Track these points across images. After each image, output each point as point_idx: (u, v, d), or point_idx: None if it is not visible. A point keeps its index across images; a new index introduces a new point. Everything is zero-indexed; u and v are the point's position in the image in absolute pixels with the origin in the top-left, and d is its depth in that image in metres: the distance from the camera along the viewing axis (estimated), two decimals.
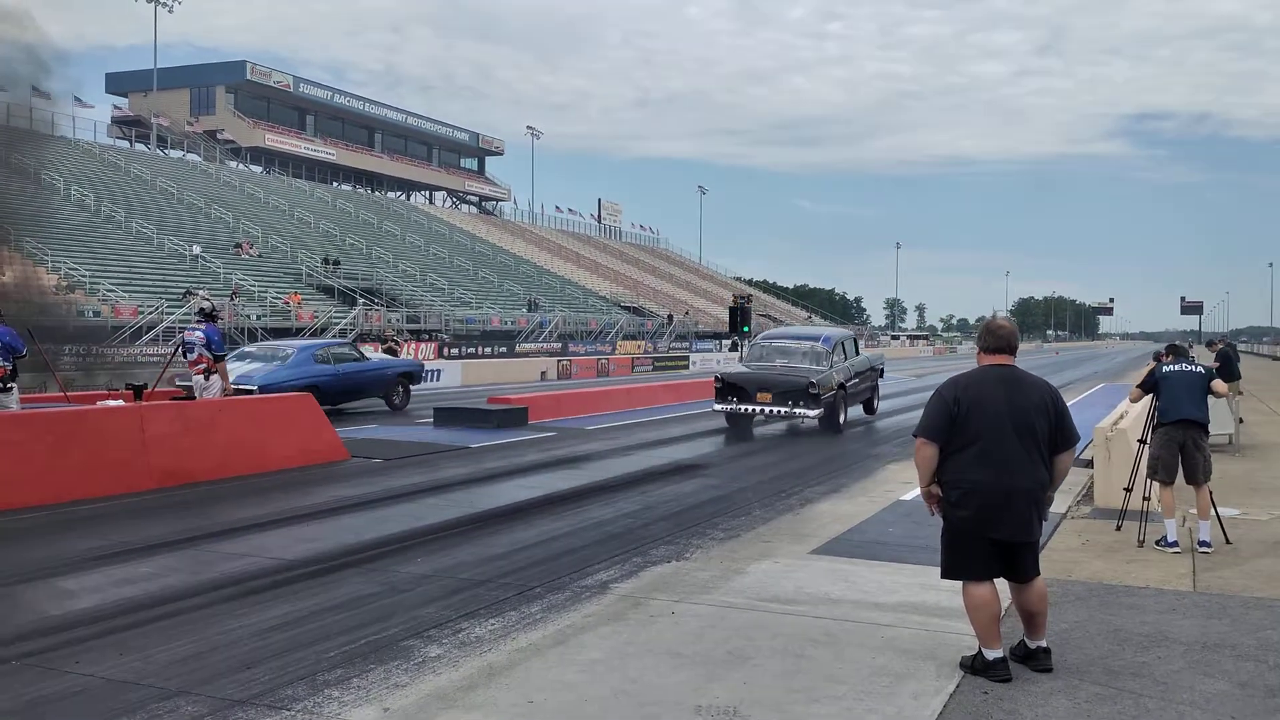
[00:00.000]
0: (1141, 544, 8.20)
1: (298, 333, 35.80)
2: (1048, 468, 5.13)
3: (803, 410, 15.97)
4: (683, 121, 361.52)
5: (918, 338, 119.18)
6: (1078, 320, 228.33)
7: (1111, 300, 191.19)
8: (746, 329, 28.76)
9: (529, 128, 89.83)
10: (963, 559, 5.14)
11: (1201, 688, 4.94)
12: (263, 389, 16.55)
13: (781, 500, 10.47)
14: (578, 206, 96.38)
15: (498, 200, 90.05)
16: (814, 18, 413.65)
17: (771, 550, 7.99)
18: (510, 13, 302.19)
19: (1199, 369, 8.38)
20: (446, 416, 17.38)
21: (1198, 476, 8.13)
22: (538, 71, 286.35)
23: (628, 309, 64.61)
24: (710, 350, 53.09)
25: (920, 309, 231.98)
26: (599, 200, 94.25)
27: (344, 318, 39.03)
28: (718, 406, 16.80)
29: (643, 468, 12.85)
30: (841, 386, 17.04)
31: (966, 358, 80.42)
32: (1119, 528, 8.74)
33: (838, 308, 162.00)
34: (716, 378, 17.50)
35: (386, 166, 79.24)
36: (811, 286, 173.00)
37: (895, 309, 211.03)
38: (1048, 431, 5.11)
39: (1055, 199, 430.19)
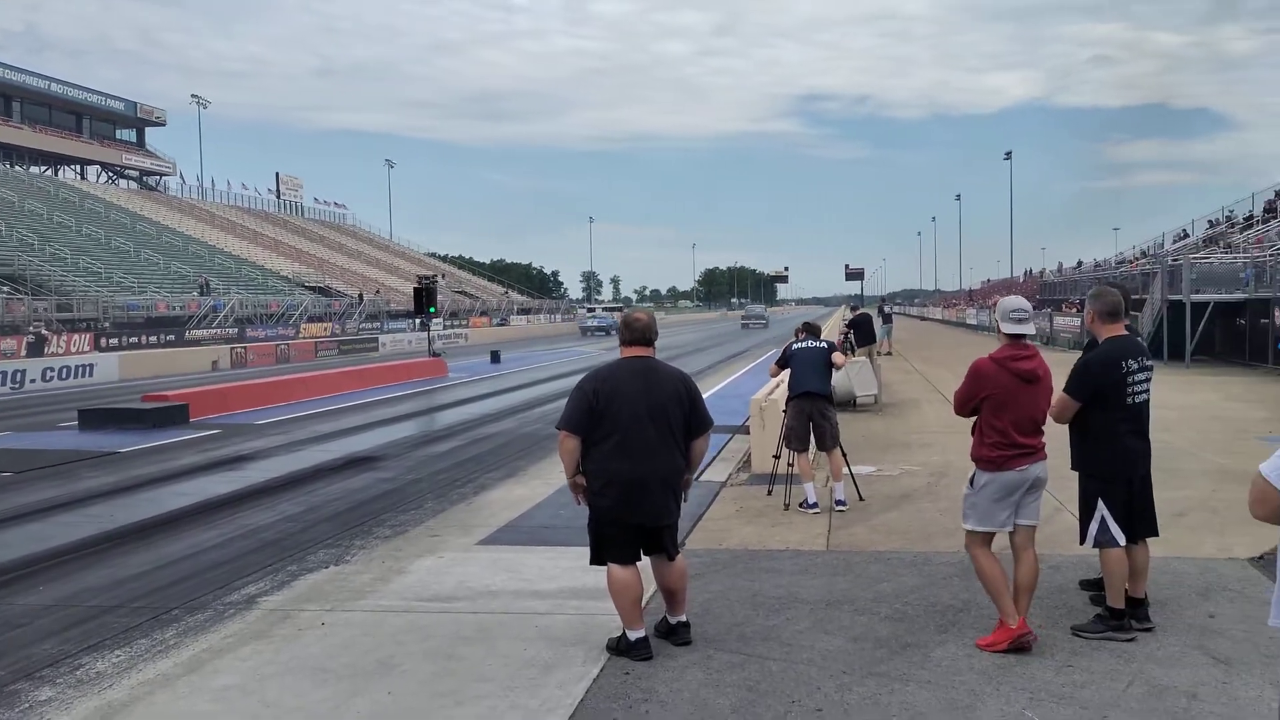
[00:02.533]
0: (787, 507, 8.80)
1: None
2: (684, 454, 5.34)
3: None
4: (370, 92, 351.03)
5: (613, 309, 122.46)
6: (758, 288, 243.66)
7: (786, 269, 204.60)
8: (433, 309, 28.28)
9: (194, 96, 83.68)
10: (606, 545, 5.27)
11: (821, 646, 5.33)
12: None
13: (456, 489, 10.35)
14: (259, 181, 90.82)
15: (162, 175, 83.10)
16: None
17: (438, 545, 7.86)
18: None
19: (822, 345, 9.11)
20: (94, 419, 15.83)
21: (826, 442, 8.84)
22: (208, 36, 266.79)
23: (313, 289, 61.77)
24: (403, 330, 51.84)
25: (616, 281, 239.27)
26: (277, 174, 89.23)
27: None
28: None
29: (312, 464, 12.29)
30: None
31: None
32: (770, 492, 9.33)
33: (535, 282, 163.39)
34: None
35: (28, 138, 70.99)
36: (509, 261, 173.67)
37: (591, 282, 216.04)
38: (683, 419, 5.31)
39: (737, 174, 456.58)
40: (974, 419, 5.41)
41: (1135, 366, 5.30)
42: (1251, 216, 39.83)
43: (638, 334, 5.37)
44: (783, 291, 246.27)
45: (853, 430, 13.83)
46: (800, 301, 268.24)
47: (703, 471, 11.11)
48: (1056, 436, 5.50)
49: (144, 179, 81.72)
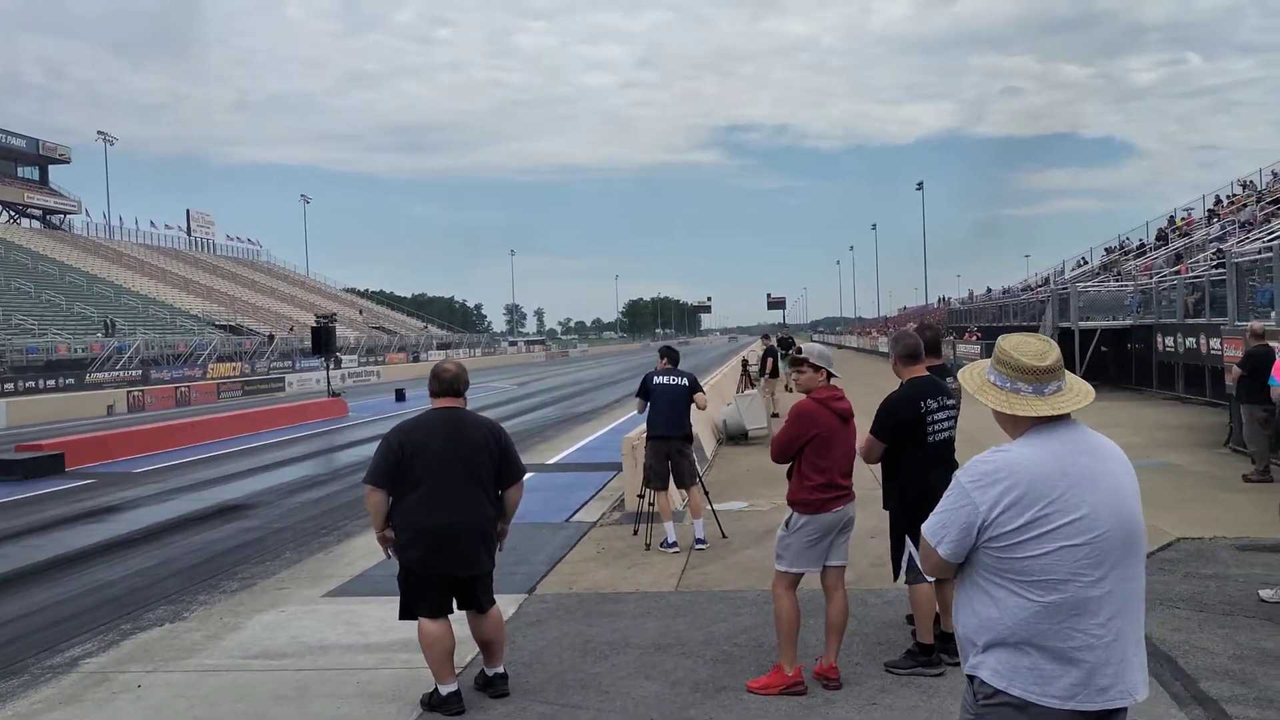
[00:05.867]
0: (648, 548, 8.79)
1: None
2: (495, 503, 5.33)
3: None
4: (287, 126, 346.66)
5: (535, 343, 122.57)
6: (682, 318, 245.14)
7: (709, 299, 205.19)
8: (332, 348, 27.95)
9: (100, 133, 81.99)
10: (415, 599, 5.21)
11: (638, 692, 5.34)
12: None
13: (319, 538, 10.17)
14: (170, 219, 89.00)
15: (66, 213, 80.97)
16: (422, 23, 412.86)
17: (284, 598, 7.70)
18: (83, 4, 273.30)
19: (684, 383, 8.98)
20: None
21: (684, 481, 8.85)
22: (119, 70, 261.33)
23: (223, 328, 60.62)
24: (314, 369, 50.95)
25: (539, 314, 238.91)
26: (187, 211, 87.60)
27: None
28: None
29: (180, 514, 11.98)
30: None
31: (578, 361, 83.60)
32: (635, 532, 9.31)
33: (457, 316, 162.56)
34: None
35: None
36: (430, 295, 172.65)
37: (515, 315, 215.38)
38: (493, 468, 5.29)
39: (660, 205, 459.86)
40: (788, 465, 5.47)
41: (935, 405, 5.45)
42: (1144, 244, 41.28)
43: (446, 385, 5.37)
44: (706, 321, 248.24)
45: (738, 464, 13.95)
46: (725, 331, 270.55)
47: (577, 511, 11.12)
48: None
49: (47, 218, 79.56)
